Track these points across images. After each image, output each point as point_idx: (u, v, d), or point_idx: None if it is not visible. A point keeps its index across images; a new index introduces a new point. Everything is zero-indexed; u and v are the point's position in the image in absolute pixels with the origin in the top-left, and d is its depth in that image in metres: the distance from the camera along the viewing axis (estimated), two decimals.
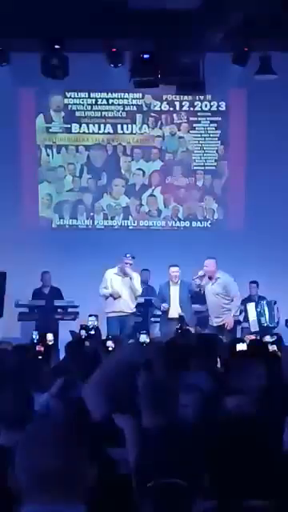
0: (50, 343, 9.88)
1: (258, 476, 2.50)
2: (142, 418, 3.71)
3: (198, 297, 12.43)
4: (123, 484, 3.05)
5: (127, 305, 12.44)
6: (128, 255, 12.40)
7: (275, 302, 12.81)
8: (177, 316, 12.22)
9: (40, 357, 8.13)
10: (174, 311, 12.35)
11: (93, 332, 11.52)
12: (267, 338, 10.93)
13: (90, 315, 12.03)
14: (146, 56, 12.15)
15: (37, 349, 8.57)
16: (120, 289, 12.36)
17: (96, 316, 12.10)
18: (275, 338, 10.95)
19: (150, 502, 2.93)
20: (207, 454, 2.62)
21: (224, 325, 11.93)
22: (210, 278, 12.07)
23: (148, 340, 9.39)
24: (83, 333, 10.77)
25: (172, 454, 3.17)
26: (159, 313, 12.86)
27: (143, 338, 9.41)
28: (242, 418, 2.98)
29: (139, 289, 12.50)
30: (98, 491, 2.27)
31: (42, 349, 8.62)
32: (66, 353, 7.46)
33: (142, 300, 12.90)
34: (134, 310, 12.56)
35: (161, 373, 5.33)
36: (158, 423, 3.62)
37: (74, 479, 2.19)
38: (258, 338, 11.23)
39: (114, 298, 12.33)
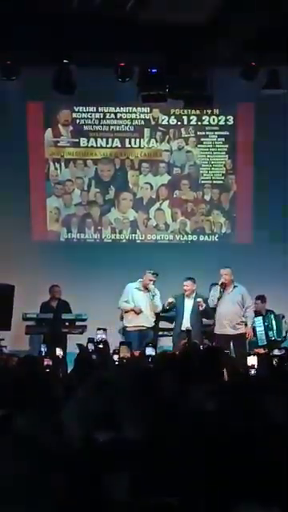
0: (60, 356, 9.89)
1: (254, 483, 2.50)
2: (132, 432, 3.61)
3: (204, 311, 12.47)
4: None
5: (147, 319, 12.54)
6: (151, 271, 12.47)
7: (283, 316, 12.82)
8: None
9: (48, 370, 8.15)
10: (187, 324, 12.39)
11: (101, 346, 11.48)
12: (275, 352, 10.93)
13: (99, 328, 12.01)
14: (153, 70, 12.23)
15: (45, 362, 8.56)
16: (142, 304, 12.45)
17: (105, 329, 12.06)
18: (283, 351, 10.94)
19: None
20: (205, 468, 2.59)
21: (239, 335, 12.05)
22: (225, 287, 12.18)
23: (154, 353, 9.36)
24: (90, 346, 10.74)
25: (164, 469, 3.03)
26: (170, 326, 12.90)
27: (149, 350, 9.38)
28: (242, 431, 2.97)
29: (160, 305, 12.61)
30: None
31: (51, 362, 8.61)
32: (74, 366, 7.47)
33: None
34: (153, 324, 12.65)
35: (167, 386, 5.32)
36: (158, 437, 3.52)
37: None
38: (267, 351, 11.24)
39: (137, 314, 12.41)
